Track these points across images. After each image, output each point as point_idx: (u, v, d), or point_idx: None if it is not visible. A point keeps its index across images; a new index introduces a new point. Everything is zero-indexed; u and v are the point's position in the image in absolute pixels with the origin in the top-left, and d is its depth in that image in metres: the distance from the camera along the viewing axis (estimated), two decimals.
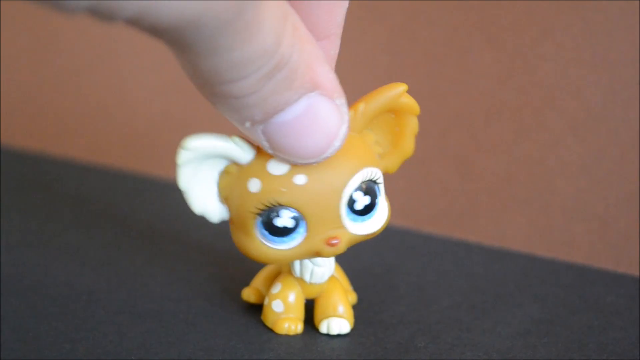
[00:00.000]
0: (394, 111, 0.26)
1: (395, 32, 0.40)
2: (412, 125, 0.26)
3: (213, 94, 0.21)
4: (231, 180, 0.25)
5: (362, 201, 0.25)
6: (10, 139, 0.51)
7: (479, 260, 0.34)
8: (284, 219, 0.24)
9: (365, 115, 0.25)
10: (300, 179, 0.24)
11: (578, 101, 0.37)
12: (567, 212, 0.38)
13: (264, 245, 0.25)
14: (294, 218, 0.24)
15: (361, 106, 0.25)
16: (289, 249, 0.25)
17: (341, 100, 0.23)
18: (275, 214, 0.24)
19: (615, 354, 0.27)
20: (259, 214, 0.25)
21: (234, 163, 0.25)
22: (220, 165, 0.25)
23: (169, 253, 0.34)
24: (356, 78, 0.39)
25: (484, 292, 0.31)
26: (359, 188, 0.25)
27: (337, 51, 0.25)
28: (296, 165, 0.24)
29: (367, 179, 0.25)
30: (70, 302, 0.29)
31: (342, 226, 0.25)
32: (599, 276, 0.33)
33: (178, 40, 0.19)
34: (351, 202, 0.25)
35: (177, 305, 0.29)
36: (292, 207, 0.24)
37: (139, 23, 0.18)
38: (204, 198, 0.25)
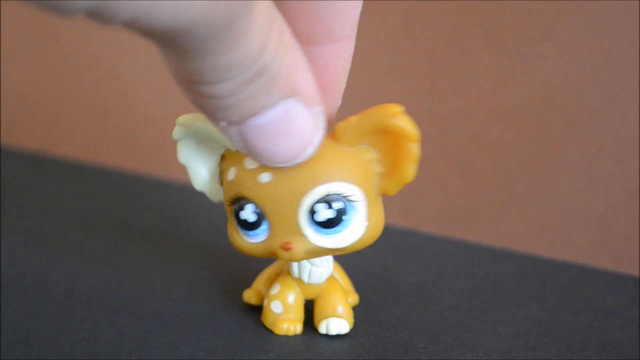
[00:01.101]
0: (389, 134, 0.24)
1: (395, 32, 0.40)
2: (409, 151, 0.24)
3: (190, 91, 0.21)
4: (225, 165, 0.26)
5: (323, 214, 0.25)
6: (10, 139, 0.51)
7: (479, 260, 0.34)
8: (246, 212, 0.25)
9: (357, 130, 0.24)
10: (264, 177, 0.24)
11: (578, 101, 0.37)
12: (567, 212, 0.38)
13: (238, 235, 0.26)
14: (257, 214, 0.25)
15: (354, 120, 0.24)
16: (256, 243, 0.26)
17: (318, 109, 0.23)
18: (241, 205, 0.25)
19: (615, 354, 0.27)
20: (232, 203, 0.25)
21: (228, 148, 0.26)
22: (222, 148, 0.26)
23: (169, 253, 0.34)
24: (356, 78, 0.39)
25: (484, 293, 0.31)
26: (323, 200, 0.24)
27: (351, 52, 0.25)
28: None
29: (333, 193, 0.24)
30: (70, 302, 0.29)
31: (300, 233, 0.25)
32: (599, 276, 0.33)
33: (167, 42, 0.19)
34: (312, 212, 0.25)
35: (177, 306, 0.29)
36: (255, 203, 0.25)
37: (134, 26, 0.18)
38: (204, 177, 0.27)
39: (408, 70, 0.40)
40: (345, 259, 0.30)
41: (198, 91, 0.21)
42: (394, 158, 0.25)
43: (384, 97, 0.41)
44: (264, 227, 0.25)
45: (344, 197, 0.25)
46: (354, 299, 0.29)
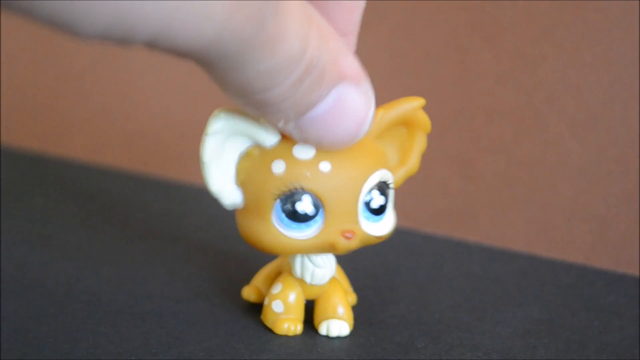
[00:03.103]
0: (407, 125, 0.26)
1: (395, 32, 0.40)
2: (421, 142, 0.27)
3: (247, 103, 0.21)
4: (252, 163, 0.25)
5: (377, 200, 0.25)
6: (10, 139, 0.51)
7: (479, 260, 0.34)
8: (304, 204, 0.24)
9: (381, 123, 0.26)
10: (325, 166, 0.24)
11: (578, 101, 0.37)
12: (567, 212, 0.38)
13: (278, 232, 0.25)
14: (314, 205, 0.25)
15: (380, 113, 0.25)
16: (304, 239, 0.25)
17: (366, 84, 0.23)
18: (297, 198, 0.24)
19: (615, 354, 0.27)
20: (280, 198, 0.24)
21: (257, 145, 0.25)
22: (243, 146, 0.25)
23: (169, 253, 0.34)
24: None
25: (484, 293, 0.31)
26: (376, 187, 0.25)
27: (354, 49, 0.25)
28: (321, 152, 0.24)
29: (383, 180, 0.25)
30: (70, 302, 0.29)
31: (357, 222, 0.25)
32: (599, 276, 0.33)
33: (202, 59, 0.19)
34: (368, 199, 0.25)
35: (177, 306, 0.29)
36: (314, 194, 0.24)
37: (156, 47, 0.18)
38: (222, 177, 0.25)
39: (408, 70, 0.40)
40: (345, 259, 0.30)
41: (253, 102, 0.21)
42: (403, 150, 0.27)
43: (384, 97, 0.41)
44: (318, 218, 0.25)
45: (387, 184, 0.26)
46: (352, 298, 0.29)
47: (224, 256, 0.34)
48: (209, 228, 0.36)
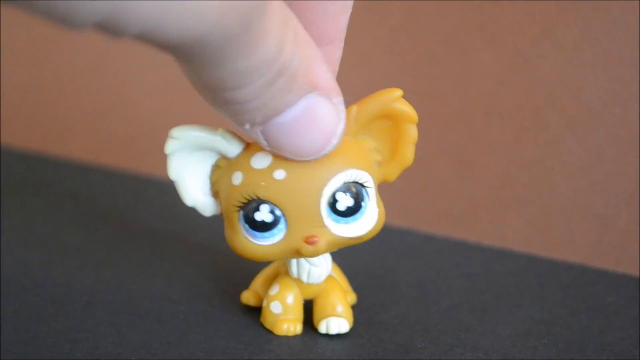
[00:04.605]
0: (389, 118, 0.25)
1: (395, 32, 0.40)
2: (409, 133, 0.26)
3: (214, 99, 0.21)
4: (220, 174, 0.25)
5: (344, 202, 0.25)
6: (10, 139, 0.51)
7: (479, 260, 0.34)
8: (262, 213, 0.25)
9: (358, 119, 0.25)
10: (279, 174, 0.24)
11: (578, 101, 0.37)
12: (567, 212, 0.38)
13: (247, 240, 0.25)
14: (273, 213, 0.25)
15: (354, 109, 0.25)
16: (270, 245, 0.25)
17: (338, 99, 0.23)
18: (254, 207, 0.25)
19: (615, 354, 0.27)
20: (241, 207, 0.25)
21: (223, 157, 0.25)
22: (212, 158, 0.25)
23: (169, 253, 0.34)
24: (356, 78, 0.39)
25: (484, 293, 0.31)
26: (342, 189, 0.25)
27: (340, 54, 0.25)
28: (278, 160, 0.24)
29: (351, 180, 0.25)
30: (70, 303, 0.29)
31: (322, 225, 0.25)
32: (599, 276, 0.33)
33: (184, 53, 0.19)
34: (333, 202, 0.25)
35: (177, 306, 0.29)
36: (271, 202, 0.24)
37: (146, 39, 0.18)
38: (196, 191, 0.26)
39: (408, 70, 0.40)
40: (345, 259, 0.30)
41: (221, 98, 0.21)
42: (393, 142, 0.26)
43: None
44: (280, 226, 0.25)
45: (359, 183, 0.25)
46: (351, 298, 0.29)
47: (224, 256, 0.34)
48: (209, 228, 0.36)
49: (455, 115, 0.39)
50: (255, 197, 0.24)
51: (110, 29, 0.17)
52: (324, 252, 0.25)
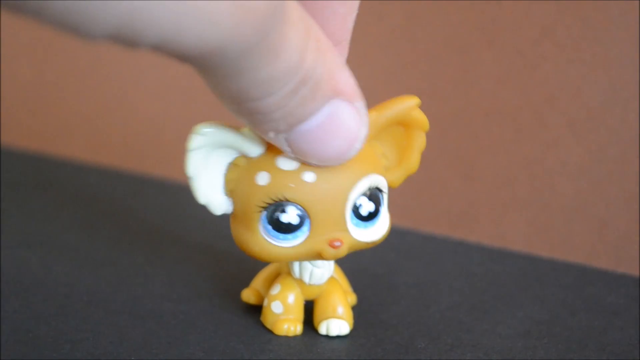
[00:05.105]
0: (403, 124, 0.26)
1: (395, 32, 0.40)
2: (419, 141, 0.26)
3: (239, 110, 0.21)
4: (239, 172, 0.25)
5: (366, 207, 0.25)
6: (10, 139, 0.51)
7: (479, 260, 0.34)
8: (289, 215, 0.24)
9: (375, 125, 0.25)
10: (309, 176, 0.24)
11: (578, 101, 0.37)
12: (567, 212, 0.38)
13: (266, 241, 0.25)
14: (300, 215, 0.24)
15: (372, 115, 0.25)
16: (291, 247, 0.25)
17: (360, 104, 0.23)
18: (281, 209, 0.24)
19: (615, 354, 0.27)
20: (265, 208, 0.25)
21: (242, 155, 0.25)
22: (229, 157, 0.25)
23: (169, 253, 0.34)
24: (356, 78, 0.39)
25: (484, 293, 0.31)
26: (365, 193, 0.25)
27: (346, 55, 0.25)
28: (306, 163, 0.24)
29: (373, 185, 0.25)
30: (70, 302, 0.29)
31: (345, 229, 0.25)
32: (599, 276, 0.33)
33: (203, 64, 0.19)
34: (356, 207, 0.25)
35: (177, 306, 0.29)
36: (299, 204, 0.24)
37: (162, 50, 0.18)
38: (210, 188, 0.25)
39: (408, 70, 0.40)
40: (345, 259, 0.30)
41: (245, 109, 0.21)
42: (402, 149, 0.26)
43: (384, 97, 0.41)
44: (304, 228, 0.25)
45: (378, 189, 0.25)
46: (352, 298, 0.29)
47: (224, 256, 0.34)
48: (209, 228, 0.36)
49: (456, 115, 0.39)
50: (283, 199, 0.24)
51: (124, 39, 0.17)
52: (344, 255, 0.25)
